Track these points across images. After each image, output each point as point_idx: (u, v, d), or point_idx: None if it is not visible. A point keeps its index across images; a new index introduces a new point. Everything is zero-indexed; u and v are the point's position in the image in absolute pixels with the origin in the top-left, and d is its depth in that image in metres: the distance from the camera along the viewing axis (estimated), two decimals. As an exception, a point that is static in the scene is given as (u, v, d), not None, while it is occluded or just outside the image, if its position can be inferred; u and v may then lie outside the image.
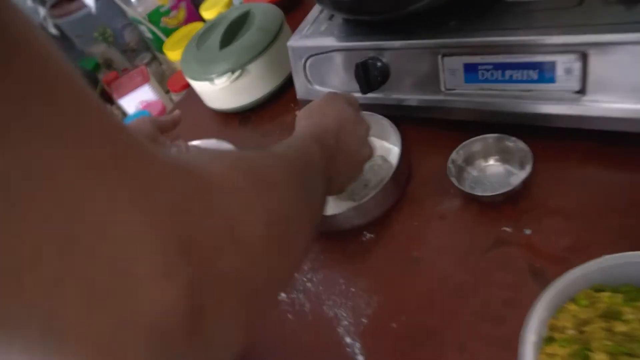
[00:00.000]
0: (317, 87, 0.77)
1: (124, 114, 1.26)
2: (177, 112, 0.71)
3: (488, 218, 0.58)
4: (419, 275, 0.57)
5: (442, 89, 0.64)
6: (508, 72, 0.57)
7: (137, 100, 1.23)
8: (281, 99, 0.93)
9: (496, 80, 0.58)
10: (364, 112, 0.65)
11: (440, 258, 0.57)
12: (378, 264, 0.60)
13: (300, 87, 0.79)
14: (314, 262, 0.64)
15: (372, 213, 0.62)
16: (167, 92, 1.26)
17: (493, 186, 0.59)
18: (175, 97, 1.21)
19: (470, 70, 0.60)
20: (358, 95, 0.68)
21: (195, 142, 0.85)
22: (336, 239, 0.64)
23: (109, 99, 1.30)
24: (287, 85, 0.92)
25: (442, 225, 0.60)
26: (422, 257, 0.58)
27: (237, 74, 0.85)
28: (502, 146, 0.60)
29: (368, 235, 0.63)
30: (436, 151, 0.67)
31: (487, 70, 0.58)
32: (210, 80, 0.86)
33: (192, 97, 1.01)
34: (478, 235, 0.57)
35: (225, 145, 0.85)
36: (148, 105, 1.23)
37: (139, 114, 1.19)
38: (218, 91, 0.87)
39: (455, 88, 0.62)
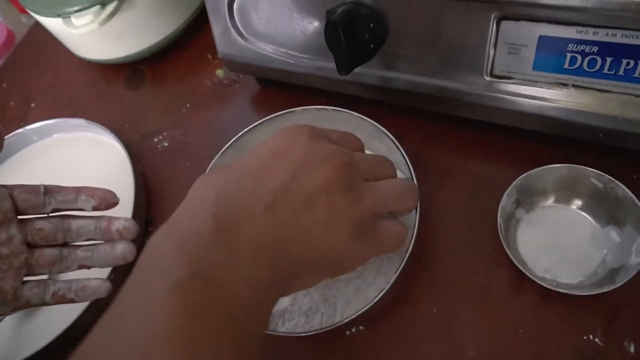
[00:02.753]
0: (253, 42, 0.45)
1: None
2: None
3: (560, 314, 0.34)
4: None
5: (487, 73, 0.36)
6: (627, 63, 0.30)
7: (-35, 23, 0.81)
8: (192, 44, 0.60)
9: (599, 75, 0.32)
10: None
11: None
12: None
13: (222, 38, 0.47)
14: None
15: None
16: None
17: (567, 258, 0.35)
18: (28, 20, 0.81)
19: (551, 48, 0.32)
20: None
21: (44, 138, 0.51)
22: (307, 340, 0.38)
23: None
24: (201, 20, 0.59)
25: (481, 319, 0.36)
26: (451, 378, 0.34)
27: (110, 8, 0.50)
28: (592, 188, 0.35)
29: (356, 329, 0.37)
30: (466, 178, 0.41)
31: (586, 53, 0.31)
32: (66, 18, 0.50)
33: (47, 32, 0.63)
34: (546, 345, 0.34)
35: (104, 137, 0.52)
36: (-14, 31, 0.82)
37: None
38: (81, 37, 0.52)
39: (513, 75, 0.35)
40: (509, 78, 0.35)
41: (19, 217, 0.34)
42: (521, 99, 0.35)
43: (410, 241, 0.33)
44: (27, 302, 0.34)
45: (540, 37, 0.32)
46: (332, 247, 0.27)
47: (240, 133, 0.41)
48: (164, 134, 0.53)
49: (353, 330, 0.37)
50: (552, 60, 0.33)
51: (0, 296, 0.32)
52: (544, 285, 0.33)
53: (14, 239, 0.33)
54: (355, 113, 0.39)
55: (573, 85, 0.33)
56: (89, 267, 0.36)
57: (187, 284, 0.21)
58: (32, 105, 0.63)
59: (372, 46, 0.37)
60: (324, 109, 0.40)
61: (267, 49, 0.45)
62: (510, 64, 0.34)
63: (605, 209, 0.35)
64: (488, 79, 0.36)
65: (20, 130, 0.54)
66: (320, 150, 0.28)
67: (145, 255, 0.24)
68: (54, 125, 0.54)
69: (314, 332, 0.32)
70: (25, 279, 0.34)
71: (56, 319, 0.42)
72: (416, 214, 0.34)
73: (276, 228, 0.25)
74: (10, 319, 0.44)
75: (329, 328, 0.32)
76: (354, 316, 0.32)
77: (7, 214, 0.33)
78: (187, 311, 0.20)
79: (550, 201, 0.37)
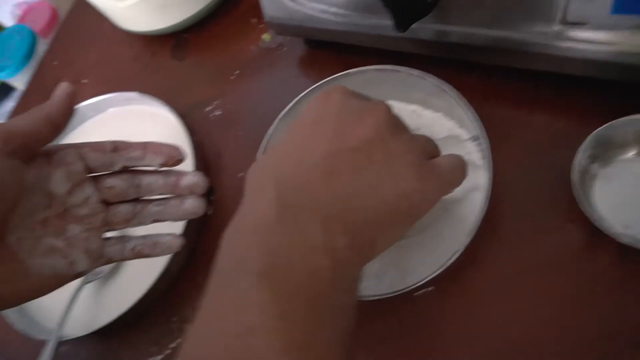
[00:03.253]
0: (303, 3, 0.44)
1: (-3, 26, 0.86)
2: (64, 87, 0.34)
3: (641, 271, 0.33)
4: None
5: (559, 19, 0.33)
6: None
7: (11, 3, 0.82)
8: (234, 10, 0.59)
9: (691, 13, 0.29)
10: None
11: (561, 342, 0.33)
12: (443, 348, 0.36)
13: (269, 0, 0.46)
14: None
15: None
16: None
17: (651, 211, 0.33)
18: (70, -5, 0.81)
19: (634, -12, 0.29)
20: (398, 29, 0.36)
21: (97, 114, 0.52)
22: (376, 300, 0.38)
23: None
24: (242, -15, 0.57)
25: (553, 280, 0.35)
26: (525, 340, 0.34)
27: (154, -22, 0.49)
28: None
29: (425, 290, 0.37)
30: (532, 134, 0.39)
31: (676, -10, 0.28)
32: (111, -9, 0.50)
33: (89, 8, 0.63)
34: (626, 307, 0.32)
35: (158, 109, 0.52)
36: (30, 9, 0.83)
37: (19, 27, 0.79)
38: (126, 9, 0.52)
39: (587, 21, 0.32)
40: (584, 24, 0.33)
41: (90, 175, 0.34)
42: (597, 46, 0.33)
43: (486, 204, 0.32)
44: (109, 259, 0.36)
45: (622, -24, 0.29)
46: (402, 193, 0.26)
47: (296, 99, 0.40)
48: (215, 103, 0.53)
49: (422, 291, 0.37)
50: (633, 1, 0.30)
51: (89, 255, 0.34)
52: (625, 242, 0.31)
53: (90, 198, 0.34)
54: (414, 71, 0.37)
55: (658, 28, 0.30)
56: (162, 221, 0.37)
57: (268, 272, 0.21)
58: (83, 81, 0.64)
59: (430, -1, 0.35)
60: (382, 68, 0.38)
61: (317, 8, 0.43)
62: (585, 9, 0.32)
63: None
64: (559, 27, 0.33)
65: (76, 107, 0.55)
66: (356, 104, 0.28)
67: (223, 251, 0.24)
68: (109, 100, 0.55)
69: (385, 296, 0.32)
70: (106, 235, 0.36)
71: (131, 287, 0.44)
72: (489, 176, 0.33)
73: (339, 192, 0.25)
74: (88, 287, 0.47)
75: (400, 292, 0.32)
76: (424, 281, 0.32)
77: (81, 175, 0.33)
78: (274, 299, 0.20)
79: (630, 154, 0.34)
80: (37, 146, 0.32)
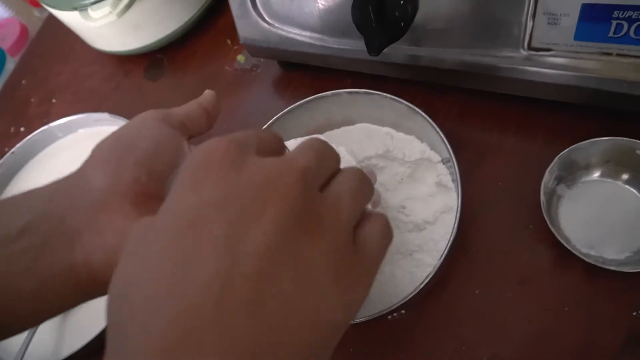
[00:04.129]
0: (276, 25, 0.44)
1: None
2: (209, 95, 0.32)
3: (607, 291, 0.34)
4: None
5: (524, 47, 0.34)
6: (678, 27, 0.29)
7: (-21, 20, 0.81)
8: (210, 31, 0.59)
9: (648, 41, 0.30)
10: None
11: (531, 363, 0.33)
12: (420, 367, 0.36)
13: (243, 22, 0.46)
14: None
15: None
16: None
17: (613, 233, 0.34)
18: (41, 13, 0.80)
19: (594, 16, 0.31)
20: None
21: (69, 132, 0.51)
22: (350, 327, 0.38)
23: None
24: (216, 6, 0.58)
25: (524, 298, 0.35)
26: (494, 357, 0.34)
27: (126, 0, 0.49)
28: (637, 161, 0.34)
29: (398, 313, 0.37)
30: (503, 155, 0.40)
31: (633, 20, 0.30)
32: (83, 11, 0.49)
33: (62, 25, 0.62)
34: (594, 323, 0.33)
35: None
36: None
37: (-14, 44, 0.78)
38: (99, 29, 0.51)
39: (552, 47, 0.34)
40: (548, 50, 0.34)
41: None
42: (561, 71, 0.34)
43: (454, 226, 0.33)
44: None
45: (584, 5, 0.30)
46: (322, 322, 0.19)
47: (271, 121, 0.40)
48: (188, 123, 0.53)
49: (395, 315, 0.37)
50: (595, 29, 0.31)
51: None
52: (590, 262, 0.32)
53: None
54: (386, 94, 0.38)
55: (618, 54, 0.32)
56: None
57: None
58: (53, 100, 0.63)
59: (402, 24, 0.36)
60: (355, 91, 0.39)
61: (291, 31, 0.44)
62: (549, 35, 0.33)
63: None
64: (525, 52, 0.35)
65: (45, 127, 0.54)
66: (250, 180, 0.19)
67: None
68: (78, 120, 0.54)
69: (358, 321, 0.32)
70: None
71: (94, 319, 0.42)
72: (458, 198, 0.34)
73: (237, 335, 0.16)
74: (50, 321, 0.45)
75: (375, 316, 0.32)
76: (397, 305, 0.32)
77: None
78: None
79: (594, 176, 0.36)
80: (194, 129, 0.31)
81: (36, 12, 0.82)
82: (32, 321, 0.25)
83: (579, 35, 0.32)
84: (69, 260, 0.24)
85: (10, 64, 0.77)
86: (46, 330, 0.45)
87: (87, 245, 0.24)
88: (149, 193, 0.26)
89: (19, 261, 0.23)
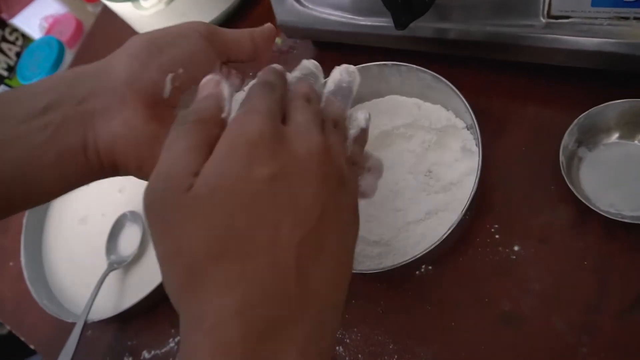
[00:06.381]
0: (312, 8, 0.48)
1: (27, 38, 0.91)
2: (265, 26, 0.33)
3: (624, 247, 0.35)
4: (512, 341, 0.35)
5: (543, 15, 0.36)
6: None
7: (38, 16, 0.88)
8: (249, 16, 0.63)
9: (662, 4, 0.32)
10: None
11: (548, 314, 0.35)
12: (442, 320, 0.38)
13: (280, 6, 0.50)
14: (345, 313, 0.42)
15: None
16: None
17: (633, 193, 0.36)
18: (94, 8, 0.86)
19: (610, -17, 0.32)
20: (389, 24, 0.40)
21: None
22: (377, 276, 0.41)
23: None
24: (256, -6, 0.62)
25: (544, 255, 0.37)
26: (516, 311, 0.36)
27: (175, -12, 0.53)
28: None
29: (425, 268, 0.40)
30: (524, 122, 0.42)
31: (647, -17, 0.31)
32: (135, 1, 0.54)
33: (115, 16, 0.68)
34: (611, 277, 0.35)
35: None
36: (56, 21, 0.89)
37: (47, 39, 0.85)
38: (150, 17, 0.56)
39: (570, 15, 0.35)
40: (567, 17, 0.36)
41: None
42: (580, 37, 0.36)
43: (474, 183, 0.35)
44: None
45: (599, -28, 0.32)
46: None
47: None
48: (230, 103, 0.57)
49: (422, 269, 0.39)
50: (611, -6, 0.33)
51: None
52: (609, 216, 0.34)
53: None
54: (413, 65, 0.40)
55: (635, 18, 0.33)
56: None
57: None
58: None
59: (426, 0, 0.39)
60: (384, 64, 0.42)
61: (323, 12, 0.47)
62: (567, 3, 0.35)
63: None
64: (544, 20, 0.36)
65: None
66: (292, 156, 0.22)
67: None
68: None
69: (384, 269, 0.35)
70: None
71: (152, 274, 0.47)
72: (479, 157, 0.36)
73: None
74: (113, 274, 0.50)
75: (399, 265, 0.35)
76: (419, 255, 0.34)
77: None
78: None
79: (613, 138, 0.37)
80: (235, 55, 0.30)
81: (89, 8, 0.88)
82: (57, 189, 0.28)
83: (596, 2, 0.34)
84: (82, 137, 0.27)
85: (69, 56, 0.83)
86: (110, 286, 0.50)
87: (98, 127, 0.27)
88: (163, 98, 0.28)
89: (39, 135, 0.26)
